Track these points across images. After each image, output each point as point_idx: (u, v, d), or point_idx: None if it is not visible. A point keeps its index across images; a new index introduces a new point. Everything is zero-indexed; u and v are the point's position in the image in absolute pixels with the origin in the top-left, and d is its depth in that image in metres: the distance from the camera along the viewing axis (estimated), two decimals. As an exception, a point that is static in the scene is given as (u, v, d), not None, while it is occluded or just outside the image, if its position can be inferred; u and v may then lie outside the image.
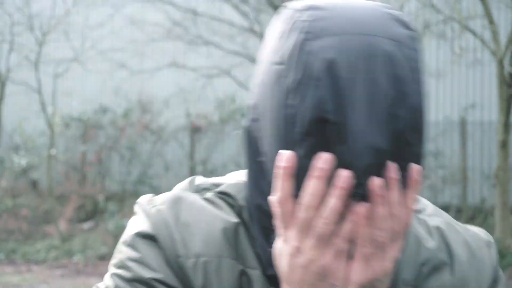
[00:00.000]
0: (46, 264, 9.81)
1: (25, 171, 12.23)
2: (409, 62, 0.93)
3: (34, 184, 12.56)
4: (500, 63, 7.93)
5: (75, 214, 11.43)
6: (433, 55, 10.87)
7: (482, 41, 8.26)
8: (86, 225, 11.30)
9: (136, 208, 1.13)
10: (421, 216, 1.15)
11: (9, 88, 12.07)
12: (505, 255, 8.15)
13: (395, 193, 0.92)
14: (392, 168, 0.91)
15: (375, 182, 0.90)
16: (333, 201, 0.91)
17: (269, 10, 10.09)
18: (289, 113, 0.93)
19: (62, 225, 10.94)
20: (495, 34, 7.97)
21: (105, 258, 9.97)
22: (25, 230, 11.13)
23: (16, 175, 12.16)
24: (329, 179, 0.91)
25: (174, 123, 12.16)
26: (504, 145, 8.22)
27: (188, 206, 1.09)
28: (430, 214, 1.16)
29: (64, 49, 12.26)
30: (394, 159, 0.91)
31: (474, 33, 8.38)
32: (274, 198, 0.96)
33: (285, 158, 0.93)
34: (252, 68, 11.00)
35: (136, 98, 12.40)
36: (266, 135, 1.00)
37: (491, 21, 8.03)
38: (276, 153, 0.95)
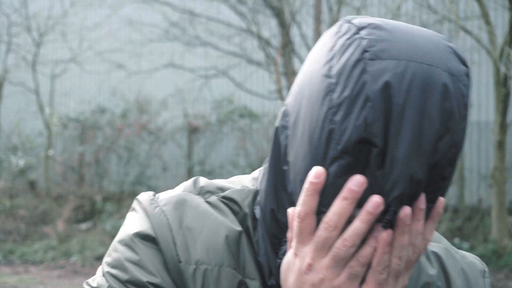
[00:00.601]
0: (44, 265, 9.81)
1: (23, 171, 12.23)
2: (461, 99, 0.93)
3: (31, 185, 12.56)
4: (496, 64, 7.94)
5: (72, 215, 11.43)
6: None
7: (479, 42, 8.27)
8: (84, 226, 11.30)
9: (136, 205, 1.09)
10: None
11: (7, 89, 12.07)
12: (502, 255, 8.17)
13: (419, 224, 0.91)
14: (422, 199, 0.90)
15: (406, 211, 0.89)
16: (358, 225, 0.89)
17: (266, 11, 10.09)
18: (330, 128, 0.90)
19: (60, 225, 10.94)
20: (491, 35, 7.98)
21: (103, 258, 9.98)
22: (22, 231, 11.13)
23: (14, 175, 12.17)
24: (357, 201, 0.90)
25: (171, 123, 12.17)
26: (500, 145, 8.22)
27: (192, 209, 1.06)
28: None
29: (62, 50, 12.27)
30: (425, 191, 0.91)
31: (470, 33, 8.39)
32: (294, 211, 0.94)
33: (314, 173, 0.91)
34: (250, 68, 11.03)
35: (134, 98, 12.40)
36: (297, 145, 0.96)
37: (488, 22, 8.04)
38: (305, 165, 0.93)
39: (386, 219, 0.89)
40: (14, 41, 11.71)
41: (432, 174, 0.90)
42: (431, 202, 0.93)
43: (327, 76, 0.93)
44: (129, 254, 1.04)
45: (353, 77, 0.90)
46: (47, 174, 11.16)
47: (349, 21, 0.96)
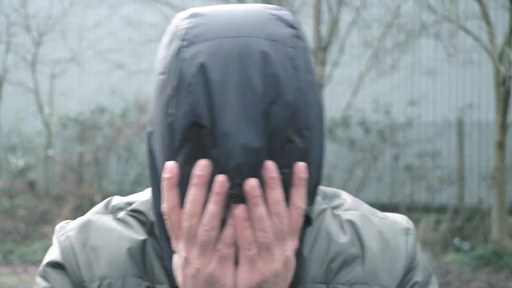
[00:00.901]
0: (43, 265, 9.81)
1: (22, 171, 12.22)
2: (288, 60, 0.93)
3: (31, 185, 12.56)
4: (496, 64, 7.93)
5: (72, 215, 11.42)
6: (430, 55, 10.88)
7: (478, 42, 8.27)
8: (83, 226, 11.31)
9: (53, 236, 1.15)
10: (336, 211, 1.14)
11: (6, 89, 12.07)
12: (502, 255, 8.15)
13: (275, 192, 0.91)
14: (269, 167, 0.90)
15: (249, 182, 0.89)
16: (211, 207, 0.90)
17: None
18: (169, 121, 0.93)
19: (59, 226, 10.95)
20: (491, 35, 7.97)
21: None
22: (22, 231, 11.13)
23: (13, 175, 12.16)
24: (209, 185, 0.91)
25: (171, 123, 12.16)
26: (501, 145, 8.21)
27: (96, 229, 1.11)
28: (347, 208, 1.15)
29: (61, 49, 12.26)
30: (274, 158, 0.91)
31: (470, 33, 8.38)
32: (163, 210, 0.95)
33: (167, 168, 0.92)
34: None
35: (133, 98, 12.40)
36: (158, 146, 0.99)
37: (488, 22, 8.03)
38: (163, 163, 0.95)
39: (231, 193, 0.90)
40: (14, 41, 11.70)
41: (274, 139, 0.90)
42: (287, 168, 0.92)
43: (161, 73, 0.96)
44: (43, 284, 1.10)
45: (176, 68, 0.93)
46: (47, 174, 11.16)
47: (177, 16, 1.00)
